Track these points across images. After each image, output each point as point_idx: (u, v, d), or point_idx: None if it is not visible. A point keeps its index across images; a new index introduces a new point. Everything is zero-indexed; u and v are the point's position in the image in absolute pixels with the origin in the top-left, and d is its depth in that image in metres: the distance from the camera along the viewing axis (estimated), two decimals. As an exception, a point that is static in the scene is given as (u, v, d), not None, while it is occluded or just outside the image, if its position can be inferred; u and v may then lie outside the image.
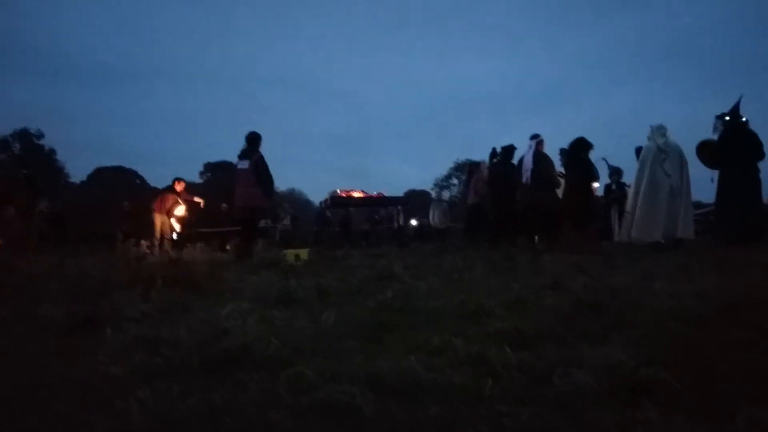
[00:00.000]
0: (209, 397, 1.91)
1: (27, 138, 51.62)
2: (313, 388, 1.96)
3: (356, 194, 17.32)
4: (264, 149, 10.03)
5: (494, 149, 12.63)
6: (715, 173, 9.61)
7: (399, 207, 19.10)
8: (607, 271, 5.58)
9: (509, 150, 12.04)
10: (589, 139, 10.17)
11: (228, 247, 14.56)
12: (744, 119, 9.50)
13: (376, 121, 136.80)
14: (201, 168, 60.18)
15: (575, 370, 2.03)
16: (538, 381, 2.04)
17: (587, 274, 5.15)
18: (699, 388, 1.91)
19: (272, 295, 4.24)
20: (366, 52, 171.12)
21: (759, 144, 9.24)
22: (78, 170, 69.20)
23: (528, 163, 10.89)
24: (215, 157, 58.78)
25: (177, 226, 14.88)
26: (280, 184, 52.68)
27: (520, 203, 11.24)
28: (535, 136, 11.08)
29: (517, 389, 1.97)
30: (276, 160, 10.74)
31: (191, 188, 17.06)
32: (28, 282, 5.63)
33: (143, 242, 14.33)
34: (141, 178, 54.61)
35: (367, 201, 18.31)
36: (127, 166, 56.45)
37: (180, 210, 14.98)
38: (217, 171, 55.20)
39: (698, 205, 11.76)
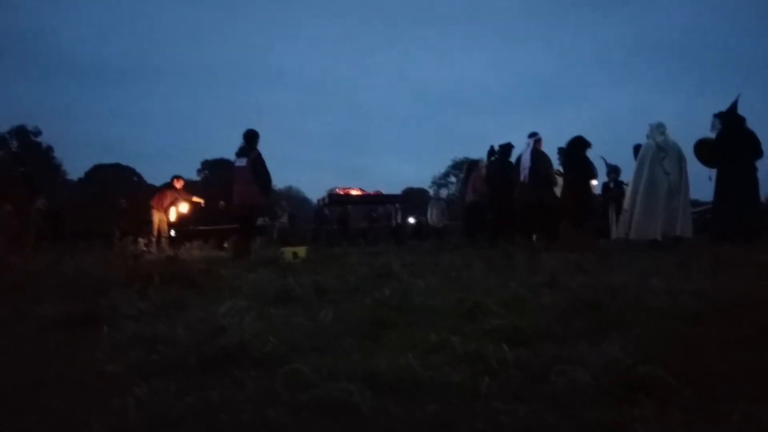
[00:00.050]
0: (206, 394, 1.91)
1: (24, 135, 51.53)
2: (311, 386, 1.96)
3: (354, 192, 17.32)
4: (262, 147, 10.03)
5: (492, 147, 12.64)
6: (713, 172, 9.62)
7: (397, 205, 19.10)
8: (604, 269, 5.59)
9: (507, 148, 12.05)
10: (587, 137, 10.18)
11: (226, 245, 14.57)
12: (741, 117, 9.51)
13: (374, 119, 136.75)
14: (199, 165, 60.12)
15: (572, 367, 2.03)
16: (535, 378, 2.04)
17: (585, 273, 5.16)
18: (696, 386, 1.91)
19: (270, 292, 4.24)
20: (364, 50, 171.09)
21: (757, 142, 9.26)
22: (75, 168, 69.28)
23: (526, 161, 10.89)
24: (213, 155, 58.77)
25: (173, 216, 14.83)
26: (278, 181, 52.63)
27: (517, 201, 11.24)
28: (533, 135, 11.09)
29: (515, 387, 1.97)
30: (274, 157, 10.72)
31: (189, 186, 17.03)
32: (26, 280, 5.63)
33: (140, 240, 14.34)
34: (138, 175, 54.52)
35: (365, 199, 18.31)
36: (124, 163, 56.42)
37: (183, 207, 15.00)
38: (214, 168, 55.15)
39: (695, 203, 11.77)
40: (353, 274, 5.48)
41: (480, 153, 13.87)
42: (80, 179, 54.76)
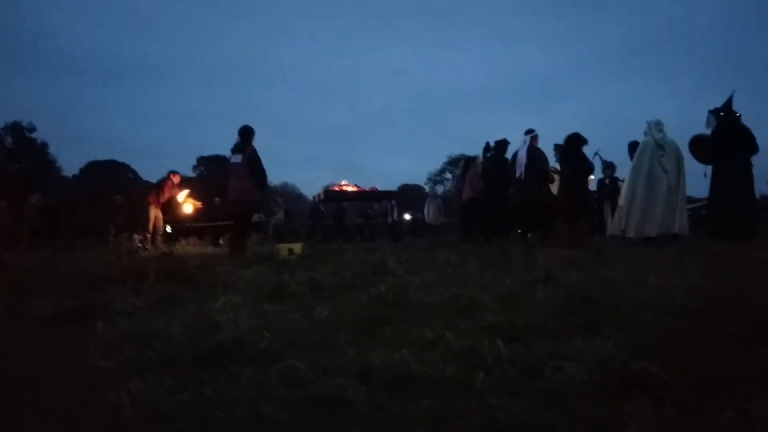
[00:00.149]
0: (201, 390, 1.91)
1: (19, 131, 51.26)
2: (306, 382, 1.96)
3: (350, 188, 17.30)
4: (257, 143, 9.99)
5: (488, 143, 12.64)
6: (708, 168, 9.64)
7: (393, 201, 19.09)
8: (599, 265, 5.60)
9: (502, 144, 12.05)
10: (583, 134, 10.19)
11: (221, 242, 14.55)
12: (737, 114, 9.53)
13: (370, 115, 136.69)
14: (194, 162, 59.99)
15: (567, 363, 2.03)
16: (529, 374, 2.05)
17: (580, 269, 5.17)
18: (690, 382, 1.92)
19: (265, 289, 4.23)
20: (360, 46, 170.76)
21: (752, 138, 9.28)
22: (70, 164, 69.09)
23: (522, 157, 10.91)
24: (208, 151, 58.63)
25: (180, 212, 14.84)
26: (273, 178, 52.70)
27: (513, 198, 11.25)
28: (529, 131, 11.10)
29: (509, 382, 1.98)
30: (269, 154, 10.71)
31: (184, 183, 16.98)
32: (20, 276, 5.62)
33: (135, 236, 14.30)
34: (134, 172, 54.38)
35: (361, 195, 18.29)
36: (119, 159, 56.27)
37: (188, 207, 14.99)
38: (210, 165, 55.07)
39: (690, 199, 11.80)
40: (349, 271, 5.48)
41: (476, 149, 13.87)
42: (75, 176, 54.58)
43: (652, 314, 3.04)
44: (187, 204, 14.96)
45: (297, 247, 8.82)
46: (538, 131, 11.16)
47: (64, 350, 2.62)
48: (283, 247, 8.58)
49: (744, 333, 2.56)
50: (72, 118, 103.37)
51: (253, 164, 9.70)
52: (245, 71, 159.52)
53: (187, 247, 13.28)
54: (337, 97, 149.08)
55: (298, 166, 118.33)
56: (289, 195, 52.57)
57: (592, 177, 11.42)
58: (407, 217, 26.60)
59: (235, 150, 9.93)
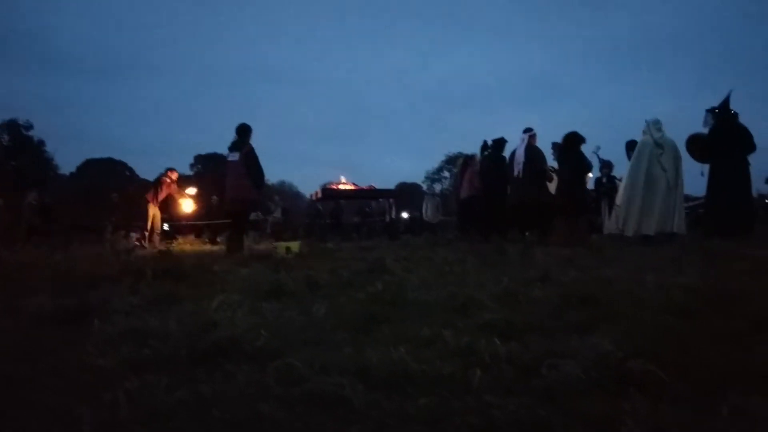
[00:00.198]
0: (198, 388, 1.91)
1: (15, 129, 51.15)
2: (303, 380, 1.95)
3: (347, 187, 17.28)
4: (254, 141, 9.99)
5: (485, 142, 12.64)
6: (706, 167, 9.64)
7: (391, 200, 19.08)
8: (597, 263, 5.60)
9: (500, 143, 12.05)
10: (581, 132, 10.20)
11: (218, 240, 14.54)
12: (734, 113, 9.54)
13: (368, 113, 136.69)
14: (191, 160, 59.93)
15: (564, 361, 2.04)
16: (527, 372, 2.05)
17: (577, 267, 5.17)
18: (686, 379, 1.93)
19: (262, 287, 4.22)
20: (358, 44, 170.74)
21: (749, 137, 9.29)
22: (67, 162, 68.92)
23: (520, 156, 10.90)
24: (205, 149, 58.61)
25: (180, 210, 14.84)
26: (271, 176, 52.58)
27: (511, 196, 11.24)
28: (528, 130, 11.10)
29: (506, 380, 1.98)
30: (266, 152, 10.69)
31: (182, 180, 16.96)
32: (17, 274, 5.60)
33: (132, 234, 14.28)
34: (131, 169, 54.31)
35: (359, 194, 18.28)
36: (116, 157, 56.19)
37: (188, 205, 14.98)
38: (207, 163, 54.99)
39: (687, 198, 11.82)
40: (346, 269, 5.47)
41: (474, 148, 13.88)
42: (72, 173, 54.49)
43: (650, 312, 3.04)
44: (186, 200, 14.95)
45: (294, 245, 8.83)
46: (536, 130, 11.16)
47: (60, 348, 2.61)
48: (281, 246, 8.59)
49: (741, 331, 2.56)
50: (69, 116, 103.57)
51: (250, 162, 9.69)
52: (243, 69, 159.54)
53: (185, 245, 13.26)
54: (335, 95, 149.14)
55: (296, 164, 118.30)
56: (286, 193, 52.57)
57: (590, 175, 11.42)
58: (405, 215, 26.58)
59: (233, 148, 9.92)
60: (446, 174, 63.34)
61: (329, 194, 17.89)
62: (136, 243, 13.04)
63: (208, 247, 13.19)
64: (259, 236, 17.04)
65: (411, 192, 41.41)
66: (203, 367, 2.20)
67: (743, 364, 2.10)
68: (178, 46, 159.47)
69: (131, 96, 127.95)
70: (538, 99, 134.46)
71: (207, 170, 51.28)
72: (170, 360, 2.30)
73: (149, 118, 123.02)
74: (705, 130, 9.76)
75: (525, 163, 10.77)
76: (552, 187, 10.80)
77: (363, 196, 19.69)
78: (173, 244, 12.46)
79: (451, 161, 58.08)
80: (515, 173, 10.93)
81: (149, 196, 14.12)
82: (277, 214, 23.12)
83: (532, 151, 10.89)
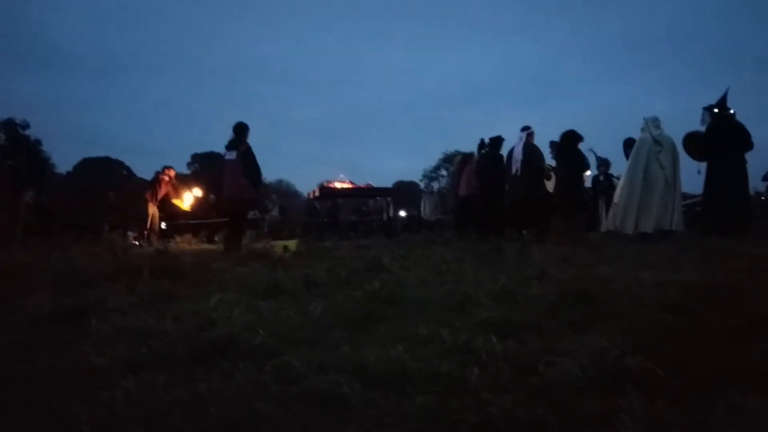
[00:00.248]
0: (195, 387, 1.91)
1: (12, 128, 50.98)
2: (300, 378, 1.96)
3: (345, 185, 17.26)
4: (252, 140, 9.95)
5: (482, 140, 12.63)
6: (703, 165, 9.65)
7: (389, 198, 19.06)
8: (594, 261, 5.61)
9: (497, 141, 12.04)
10: (578, 130, 10.19)
11: (216, 239, 14.52)
12: (731, 111, 9.54)
13: (365, 112, 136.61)
14: (189, 159, 59.81)
15: (561, 359, 2.04)
16: (524, 370, 2.05)
17: (574, 265, 5.18)
18: (684, 377, 1.93)
19: (260, 285, 4.23)
20: (355, 43, 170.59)
21: (746, 135, 9.30)
22: (64, 161, 68.79)
23: (518, 154, 10.89)
24: (203, 148, 58.47)
25: (185, 205, 14.87)
26: (268, 174, 52.45)
27: (509, 194, 11.24)
28: (525, 128, 11.08)
29: (504, 378, 1.98)
30: (264, 150, 10.69)
31: (179, 179, 16.94)
32: (14, 273, 5.60)
33: (130, 233, 14.26)
34: (128, 168, 54.22)
35: (356, 192, 18.25)
36: (113, 156, 56.09)
37: (189, 197, 14.98)
38: (204, 162, 54.87)
39: (684, 196, 11.82)
40: (343, 268, 5.47)
41: (471, 146, 13.85)
42: (69, 173, 54.37)
43: (647, 310, 3.04)
44: (187, 194, 14.97)
45: (292, 244, 8.84)
46: (534, 128, 11.15)
47: (58, 347, 2.61)
48: (278, 244, 8.60)
49: (738, 329, 2.57)
50: (66, 115, 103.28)
51: (247, 161, 9.66)
52: (240, 68, 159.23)
53: (182, 244, 13.24)
54: (333, 94, 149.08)
55: (294, 163, 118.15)
56: (284, 192, 52.44)
57: (588, 173, 11.43)
58: (402, 213, 26.57)
59: (230, 147, 9.89)
60: (444, 172, 63.19)
61: (327, 193, 17.86)
62: (134, 242, 13.02)
63: (205, 246, 13.17)
64: (257, 235, 17.04)
65: (408, 190, 41.36)
66: (201, 366, 2.20)
67: (740, 361, 2.10)
68: (176, 44, 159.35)
69: (128, 95, 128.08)
70: (535, 97, 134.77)
71: (204, 169, 51.18)
72: (168, 359, 2.30)
73: (146, 117, 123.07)
74: (702, 128, 9.76)
75: (523, 161, 10.76)
76: (550, 185, 10.79)
77: (360, 194, 19.66)
78: (171, 243, 12.43)
79: (448, 159, 57.98)
80: (513, 171, 10.91)
81: (148, 195, 14.09)
82: (275, 212, 23.10)
83: (530, 149, 10.88)
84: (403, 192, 34.91)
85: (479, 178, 12.19)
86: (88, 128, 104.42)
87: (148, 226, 13.86)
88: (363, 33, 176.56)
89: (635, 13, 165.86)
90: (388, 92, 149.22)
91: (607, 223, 11.44)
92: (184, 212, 15.28)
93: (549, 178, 10.85)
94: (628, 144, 10.54)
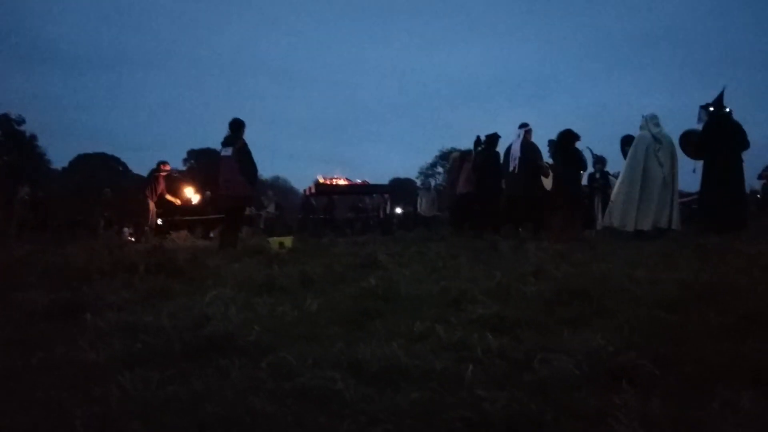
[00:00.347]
0: (190, 383, 1.91)
1: (8, 123, 50.84)
2: (295, 374, 1.96)
3: (341, 182, 17.25)
4: (248, 136, 9.95)
5: (478, 137, 12.63)
6: (698, 164, 9.65)
7: (385, 195, 19.06)
8: (589, 259, 5.61)
9: (493, 138, 12.04)
10: (575, 128, 10.21)
11: (212, 235, 14.51)
12: (728, 109, 9.55)
13: (362, 109, 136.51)
14: (185, 155, 59.69)
15: (556, 355, 2.05)
16: (519, 366, 2.06)
17: (570, 262, 5.18)
18: (678, 374, 1.94)
19: (255, 282, 4.23)
20: (352, 40, 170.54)
21: (743, 134, 9.30)
22: (60, 157, 68.57)
23: (516, 151, 10.90)
24: (199, 144, 58.37)
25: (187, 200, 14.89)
26: (265, 171, 52.54)
27: (505, 192, 11.25)
28: (523, 125, 11.09)
29: (498, 375, 1.98)
30: (260, 147, 10.66)
31: (177, 174, 16.94)
32: (9, 269, 5.58)
33: (125, 230, 14.23)
34: (124, 165, 54.17)
35: (352, 189, 18.25)
36: (109, 152, 55.99)
37: (189, 191, 14.99)
38: (200, 158, 54.77)
39: (680, 194, 11.84)
40: (339, 264, 5.47)
41: (467, 143, 13.85)
42: (64, 169, 54.27)
43: (642, 307, 3.05)
44: (188, 189, 14.99)
45: (288, 240, 8.83)
46: (531, 125, 11.16)
47: (53, 343, 2.60)
48: (274, 241, 8.59)
49: (732, 326, 2.57)
50: (61, 111, 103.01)
51: (243, 157, 9.65)
52: (236, 64, 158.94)
53: (178, 240, 13.22)
54: (329, 90, 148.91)
55: (290, 159, 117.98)
56: (280, 188, 52.41)
57: (587, 170, 11.45)
58: (398, 210, 26.56)
59: (226, 143, 9.88)
60: (440, 169, 63.14)
61: (323, 189, 17.85)
62: (129, 238, 12.99)
63: (201, 242, 13.16)
64: (253, 231, 17.02)
65: (405, 187, 41.33)
66: (196, 362, 2.20)
67: (735, 358, 2.10)
68: (173, 40, 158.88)
69: (124, 90, 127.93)
70: (532, 95, 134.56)
71: (200, 165, 51.09)
72: (163, 355, 2.30)
73: (142, 113, 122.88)
74: (699, 127, 9.77)
75: (520, 159, 10.77)
76: (548, 182, 10.80)
77: (357, 191, 19.66)
78: (166, 239, 12.42)
79: (444, 157, 57.91)
80: (511, 169, 10.92)
81: (148, 192, 14.04)
82: (271, 209, 23.09)
83: (527, 146, 10.89)
84: (399, 189, 34.87)
85: (475, 176, 12.18)
86: (83, 124, 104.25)
87: (149, 222, 13.83)
88: (361, 29, 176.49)
89: (633, 11, 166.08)
90: (385, 89, 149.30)
91: (603, 220, 11.44)
92: (181, 207, 15.25)
93: (547, 176, 10.86)
94: (626, 141, 10.54)
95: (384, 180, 27.77)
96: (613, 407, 1.63)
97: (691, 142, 9.77)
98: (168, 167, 14.78)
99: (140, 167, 46.64)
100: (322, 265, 5.42)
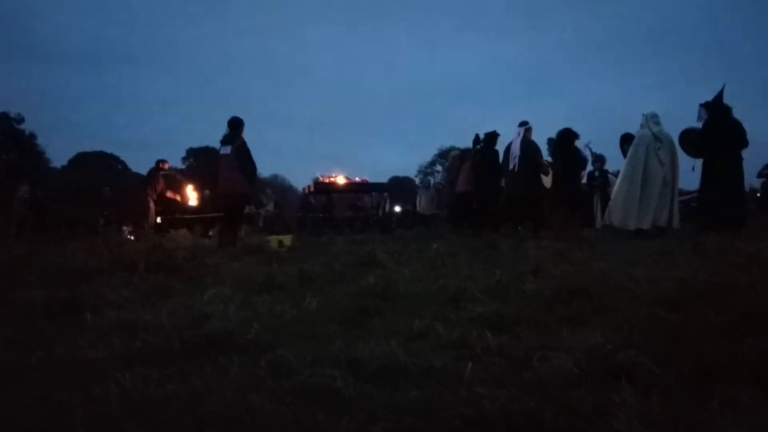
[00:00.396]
0: (190, 381, 1.91)
1: (7, 122, 50.80)
2: (294, 372, 1.96)
3: (340, 180, 17.24)
4: (247, 134, 9.94)
5: (477, 136, 12.62)
6: (698, 162, 9.65)
7: (384, 193, 19.05)
8: (588, 257, 5.61)
9: (492, 137, 12.04)
10: (573, 127, 10.20)
11: (211, 233, 14.50)
12: (727, 107, 9.54)
13: (361, 107, 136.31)
14: (184, 153, 59.67)
15: (555, 353, 2.05)
16: (518, 364, 2.06)
17: (569, 261, 5.18)
18: (677, 372, 1.93)
19: (255, 280, 4.23)
20: (350, 37, 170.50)
21: (743, 132, 9.30)
22: (59, 155, 68.46)
23: (515, 150, 10.89)
24: (198, 143, 58.29)
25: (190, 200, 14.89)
26: (263, 169, 52.48)
27: (505, 190, 11.24)
28: (523, 123, 11.08)
29: (498, 373, 1.98)
30: (259, 145, 10.66)
31: (177, 173, 16.93)
32: (9, 267, 5.58)
33: (125, 228, 14.22)
34: (123, 163, 54.10)
35: (351, 187, 18.24)
36: (108, 151, 55.93)
37: (189, 189, 14.98)
38: (199, 156, 54.75)
39: (680, 192, 11.84)
40: (338, 262, 5.47)
41: (467, 142, 13.85)
42: (64, 167, 54.20)
43: (641, 306, 3.05)
44: (187, 186, 15.00)
45: (287, 238, 8.82)
46: (531, 123, 11.15)
47: (52, 341, 2.60)
48: (273, 239, 8.58)
49: (732, 325, 2.57)
50: (60, 109, 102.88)
51: (242, 156, 9.64)
52: (235, 61, 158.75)
53: (177, 238, 13.21)
54: (328, 88, 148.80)
55: (289, 157, 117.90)
56: (279, 187, 52.40)
57: (583, 171, 11.44)
58: (397, 209, 26.55)
59: (225, 141, 9.87)
60: (439, 168, 63.13)
61: (322, 188, 17.84)
62: (129, 237, 12.98)
63: (200, 240, 13.15)
64: (252, 230, 17.01)
65: (403, 186, 41.33)
66: (195, 360, 2.20)
67: (734, 357, 2.10)
68: (171, 38, 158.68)
69: (123, 89, 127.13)
70: (531, 93, 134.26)
71: (200, 164, 51.06)
72: (162, 353, 2.30)
73: (141, 111, 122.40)
74: (699, 125, 9.76)
75: (520, 157, 10.76)
76: (548, 181, 10.79)
77: (356, 189, 19.66)
78: (166, 238, 12.41)
79: (443, 155, 57.87)
80: (511, 167, 10.91)
81: (149, 191, 14.01)
82: (270, 207, 23.08)
83: (527, 144, 10.88)
84: (399, 187, 34.85)
85: (474, 174, 12.18)
86: (83, 122, 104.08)
87: (149, 220, 13.82)
88: (359, 27, 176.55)
89: (629, 8, 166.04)
90: (383, 88, 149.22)
91: (603, 218, 11.44)
92: (181, 206, 15.25)
93: (547, 174, 10.85)
94: (626, 140, 10.53)
95: (383, 178, 27.82)
96: (613, 405, 1.63)
97: (690, 140, 9.76)
98: (167, 165, 14.77)
99: (139, 166, 46.61)
100: (321, 263, 5.42)
